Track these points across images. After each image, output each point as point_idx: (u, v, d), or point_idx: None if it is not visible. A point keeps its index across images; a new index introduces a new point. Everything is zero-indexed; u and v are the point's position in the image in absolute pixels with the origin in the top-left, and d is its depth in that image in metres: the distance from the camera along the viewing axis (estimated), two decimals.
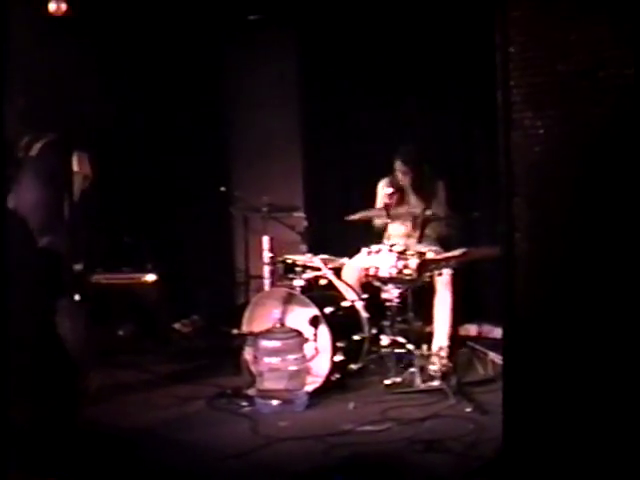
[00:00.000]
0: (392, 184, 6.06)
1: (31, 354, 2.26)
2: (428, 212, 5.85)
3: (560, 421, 2.33)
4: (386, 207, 5.80)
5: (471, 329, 6.48)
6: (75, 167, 5.23)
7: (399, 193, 5.98)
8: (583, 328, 2.30)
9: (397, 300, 5.62)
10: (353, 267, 5.96)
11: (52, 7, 6.23)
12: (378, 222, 6.14)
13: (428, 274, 5.58)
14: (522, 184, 2.33)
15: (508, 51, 2.30)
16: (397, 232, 6.11)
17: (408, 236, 6.03)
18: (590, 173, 2.26)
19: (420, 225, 5.86)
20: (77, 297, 5.77)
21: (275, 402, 5.16)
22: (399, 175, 6.15)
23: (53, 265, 2.58)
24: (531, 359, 2.38)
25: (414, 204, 6.01)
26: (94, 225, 6.33)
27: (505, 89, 2.30)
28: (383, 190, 6.10)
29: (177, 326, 7.47)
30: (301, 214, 6.57)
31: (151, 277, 7.08)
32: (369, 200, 6.30)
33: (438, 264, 5.58)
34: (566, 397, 2.33)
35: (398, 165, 6.16)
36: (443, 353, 5.56)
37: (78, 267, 5.73)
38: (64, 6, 6.25)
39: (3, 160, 2.07)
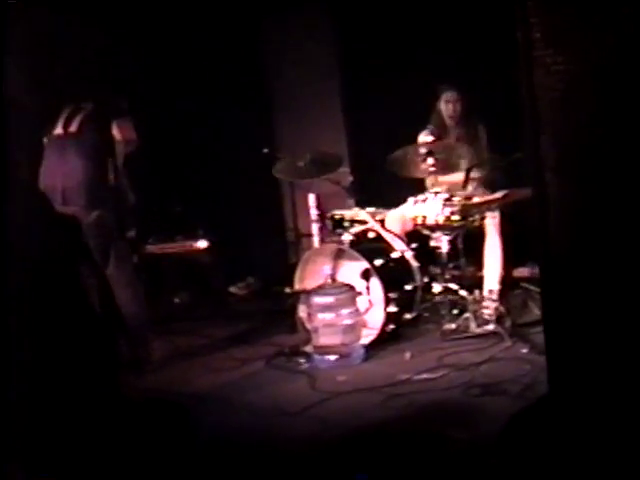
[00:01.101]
0: (432, 133, 6.03)
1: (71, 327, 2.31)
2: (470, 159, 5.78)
3: (601, 358, 2.33)
4: (432, 174, 5.77)
5: (524, 271, 6.43)
6: (117, 135, 5.27)
7: (439, 139, 5.94)
8: (619, 263, 2.28)
9: (447, 247, 5.61)
10: (399, 216, 5.95)
11: None
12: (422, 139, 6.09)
13: (472, 218, 5.55)
14: (548, 122, 2.31)
15: None
16: (442, 179, 6.06)
17: (454, 184, 5.98)
18: (615, 106, 2.22)
19: (465, 171, 5.82)
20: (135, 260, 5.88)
21: (332, 357, 5.21)
22: (445, 107, 6.14)
23: (76, 235, 2.61)
24: (569, 297, 2.36)
25: (457, 147, 5.93)
26: (144, 194, 6.43)
27: (524, 27, 2.27)
28: (427, 159, 6.02)
29: (232, 289, 7.57)
30: (346, 169, 6.56)
31: (203, 243, 7.16)
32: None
33: (481, 207, 5.55)
34: (605, 334, 2.32)
35: (447, 94, 6.15)
36: (495, 296, 5.53)
37: (131, 234, 5.85)
38: None
39: (3, 152, 2.10)
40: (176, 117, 7.39)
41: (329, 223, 6.29)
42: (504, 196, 5.50)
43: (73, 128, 5.28)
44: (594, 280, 2.31)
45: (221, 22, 7.45)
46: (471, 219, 5.54)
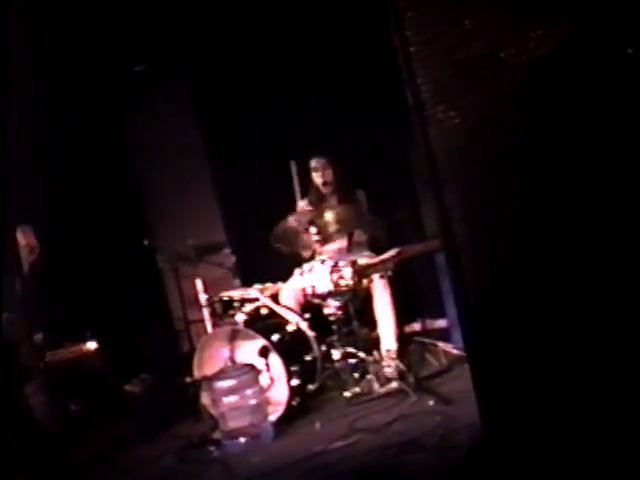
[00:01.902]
0: (312, 203, 6.10)
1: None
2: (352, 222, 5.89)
3: (530, 400, 2.39)
4: (317, 243, 5.83)
5: (416, 326, 6.56)
6: (22, 241, 5.22)
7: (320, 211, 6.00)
8: (537, 308, 2.36)
9: (339, 312, 5.66)
10: (289, 290, 5.99)
11: None
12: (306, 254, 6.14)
13: (367, 280, 5.64)
14: (448, 176, 2.40)
15: (409, 51, 2.36)
16: (328, 248, 6.12)
17: (338, 250, 6.06)
18: (510, 151, 2.33)
19: (347, 236, 5.92)
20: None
21: (243, 440, 5.14)
22: (316, 175, 6.15)
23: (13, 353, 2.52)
24: (492, 344, 2.43)
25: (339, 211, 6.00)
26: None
27: (413, 88, 2.35)
28: (310, 228, 6.03)
29: (128, 387, 7.39)
30: (227, 250, 6.58)
31: (92, 344, 6.98)
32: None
33: (375, 267, 5.65)
34: (531, 376, 2.39)
35: (314, 162, 6.16)
36: (393, 355, 5.60)
37: (38, 337, 5.71)
38: None
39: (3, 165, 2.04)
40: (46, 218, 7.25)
41: (219, 306, 6.25)
42: (398, 253, 5.60)
43: None
44: (513, 320, 2.39)
45: (83, 116, 7.39)
46: (363, 281, 5.62)
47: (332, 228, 5.77)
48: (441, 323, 6.35)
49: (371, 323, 5.89)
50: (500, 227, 2.35)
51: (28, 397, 4.96)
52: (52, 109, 6.92)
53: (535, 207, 2.30)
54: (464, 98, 2.35)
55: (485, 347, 2.44)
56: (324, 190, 6.20)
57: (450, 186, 2.39)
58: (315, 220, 5.71)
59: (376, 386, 5.44)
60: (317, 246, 5.97)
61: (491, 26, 2.27)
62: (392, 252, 5.66)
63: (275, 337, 5.56)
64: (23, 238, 5.25)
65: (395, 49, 2.40)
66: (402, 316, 5.86)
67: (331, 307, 5.66)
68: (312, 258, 6.04)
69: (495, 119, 2.33)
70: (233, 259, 6.44)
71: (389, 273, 5.72)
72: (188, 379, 5.84)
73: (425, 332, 6.41)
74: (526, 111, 2.29)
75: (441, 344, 5.90)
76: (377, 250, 6.00)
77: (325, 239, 5.82)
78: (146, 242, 6.59)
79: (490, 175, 2.35)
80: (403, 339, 5.84)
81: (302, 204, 6.14)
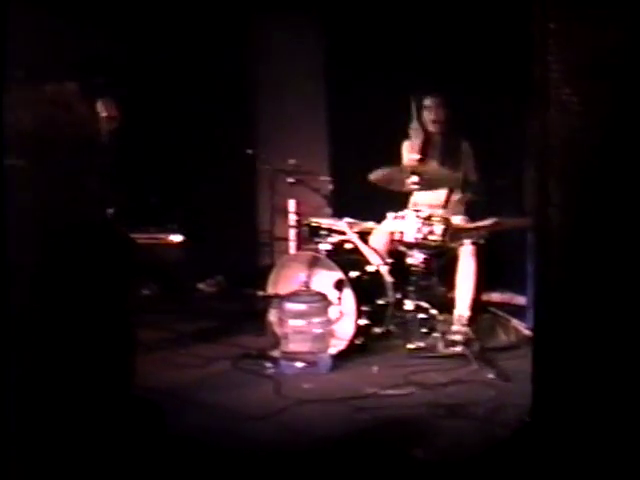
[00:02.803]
0: (417, 147, 6.03)
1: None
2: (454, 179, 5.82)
3: (589, 392, 2.35)
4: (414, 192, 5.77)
5: (494, 296, 6.49)
6: (102, 112, 5.31)
7: (424, 157, 5.95)
8: (614, 301, 2.31)
9: (422, 265, 5.64)
10: (379, 232, 5.97)
11: None
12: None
13: (456, 241, 5.59)
14: (557, 159, 2.34)
15: (548, 26, 2.29)
16: (421, 198, 6.07)
17: (435, 204, 6.00)
18: (628, 151, 2.25)
19: (446, 191, 5.86)
20: None
21: (299, 364, 5.21)
22: (427, 113, 6.08)
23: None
24: (560, 331, 2.39)
25: (440, 167, 5.94)
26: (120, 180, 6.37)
27: (543, 64, 2.29)
28: (408, 154, 6.07)
29: (202, 286, 7.53)
30: (326, 177, 6.57)
31: (176, 237, 7.11)
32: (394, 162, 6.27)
33: (468, 232, 5.59)
34: (596, 369, 2.35)
35: (428, 100, 6.09)
36: (464, 320, 5.56)
37: (109, 212, 5.87)
38: None
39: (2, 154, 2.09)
40: (159, 109, 7.36)
41: (306, 230, 6.29)
42: (494, 224, 5.53)
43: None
44: (588, 315, 2.34)
45: (208, 19, 7.41)
46: (451, 242, 5.56)
47: (433, 181, 5.71)
48: (520, 300, 6.26)
49: (450, 283, 5.84)
50: (598, 220, 2.29)
51: None
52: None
53: (630, 214, 2.23)
54: (593, 86, 2.27)
55: (552, 332, 2.41)
56: (432, 128, 6.12)
57: (556, 170, 2.33)
58: (417, 168, 5.65)
59: (440, 346, 5.43)
60: (414, 195, 5.92)
61: (630, 18, 2.18)
62: (488, 221, 5.59)
63: (353, 274, 5.57)
64: (104, 109, 5.33)
65: (533, 21, 2.32)
66: (482, 284, 5.80)
67: (415, 258, 5.63)
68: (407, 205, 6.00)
69: (619, 114, 2.25)
70: (330, 187, 6.44)
71: (481, 241, 5.65)
72: (261, 293, 5.91)
73: (502, 305, 6.32)
74: None
75: (514, 320, 5.84)
76: (472, 213, 5.93)
77: (424, 188, 5.74)
78: (249, 151, 6.63)
79: (598, 168, 2.28)
80: (478, 306, 5.79)
81: (407, 147, 6.07)
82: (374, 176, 5.73)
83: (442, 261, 5.72)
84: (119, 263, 2.42)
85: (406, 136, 6.27)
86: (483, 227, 5.59)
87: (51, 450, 2.30)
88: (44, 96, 2.35)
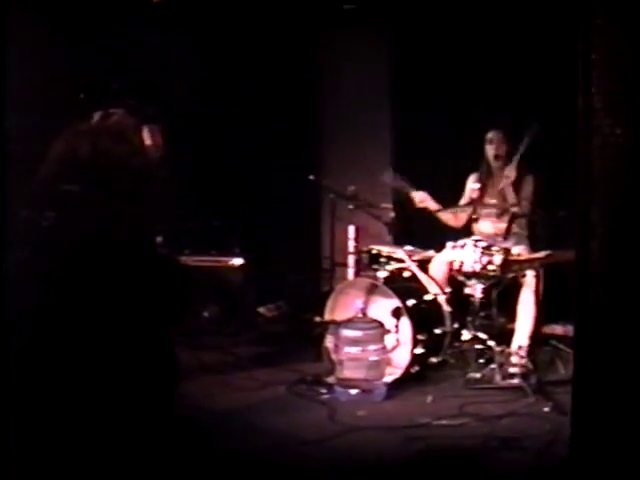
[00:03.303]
0: (480, 179, 6.02)
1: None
2: (514, 208, 5.79)
3: (630, 427, 2.31)
4: (472, 202, 5.74)
5: (556, 328, 6.40)
6: (147, 140, 5.38)
7: (486, 189, 5.93)
8: None
9: (480, 295, 5.60)
10: (438, 261, 5.96)
11: None
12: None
13: (515, 271, 5.54)
14: (600, 192, 2.32)
15: (590, 58, 2.28)
16: (484, 228, 6.04)
17: (495, 234, 5.96)
18: None
19: (507, 221, 5.82)
20: None
21: (354, 391, 5.21)
22: (489, 147, 6.06)
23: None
24: (602, 366, 2.36)
25: (502, 197, 5.91)
26: (181, 205, 6.47)
27: (586, 95, 2.28)
28: (470, 185, 6.08)
29: (262, 310, 7.58)
30: (388, 205, 6.58)
31: (238, 261, 7.19)
32: (458, 194, 6.27)
33: (522, 265, 5.54)
34: (636, 403, 2.31)
35: (490, 134, 6.08)
36: (523, 352, 5.50)
37: (158, 240, 5.95)
38: None
39: (3, 157, 2.14)
40: (224, 133, 7.47)
41: (365, 257, 6.30)
42: (546, 256, 5.48)
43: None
44: (628, 352, 2.31)
45: (274, 36, 7.51)
46: (510, 272, 5.52)
47: (493, 209, 5.69)
48: None
49: (509, 314, 5.79)
50: (637, 257, 2.26)
51: None
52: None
53: None
54: (635, 118, 2.25)
55: (593, 369, 2.37)
56: (494, 164, 6.09)
57: (600, 202, 2.30)
58: (478, 198, 5.64)
59: (498, 377, 5.37)
60: (474, 224, 5.90)
61: None
62: (542, 254, 5.54)
63: (411, 302, 5.56)
64: (149, 137, 5.40)
65: (577, 52, 2.32)
66: (542, 315, 5.74)
67: (473, 288, 5.60)
68: (469, 235, 5.96)
69: None
70: (392, 215, 6.44)
71: (534, 272, 5.60)
72: (318, 319, 5.93)
73: (564, 337, 6.22)
74: None
75: None
76: (532, 244, 5.88)
77: (483, 218, 5.73)
78: (312, 177, 6.68)
79: None
80: (538, 338, 5.73)
81: (472, 179, 6.07)
82: (439, 214, 5.76)
83: (500, 291, 5.66)
84: (164, 289, 2.46)
85: (471, 168, 6.24)
86: (536, 259, 5.54)
87: (91, 470, 2.34)
88: (102, 127, 2.42)
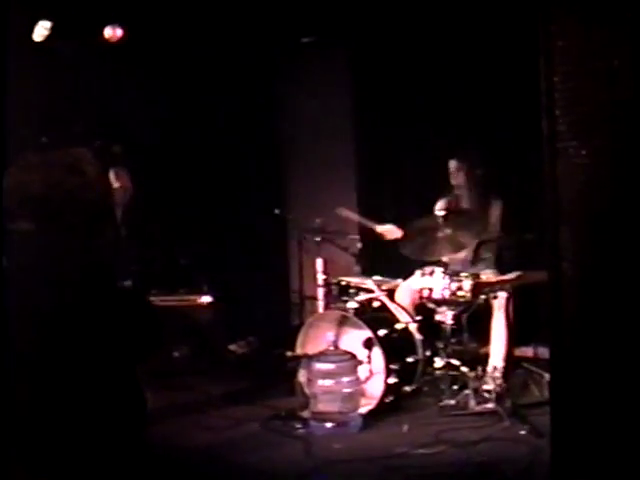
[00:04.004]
0: (448, 205, 6.03)
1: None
2: (482, 236, 5.81)
3: (608, 446, 2.32)
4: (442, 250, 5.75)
5: (527, 351, 6.41)
6: (114, 182, 5.35)
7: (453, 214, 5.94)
8: (630, 356, 2.28)
9: (451, 322, 5.60)
10: (407, 289, 5.96)
11: (108, 33, 6.43)
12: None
13: (482, 297, 5.56)
14: (568, 213, 2.33)
15: (552, 80, 2.30)
16: (452, 257, 6.04)
17: (463, 260, 5.98)
18: (635, 201, 2.25)
19: (475, 246, 5.84)
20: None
21: (329, 424, 5.18)
22: (451, 177, 6.07)
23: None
24: (577, 385, 2.37)
25: (468, 223, 5.93)
26: (146, 244, 6.43)
27: (550, 118, 2.30)
28: (437, 212, 6.08)
29: (232, 347, 7.52)
30: (355, 236, 6.59)
31: (206, 299, 7.15)
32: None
33: (492, 287, 5.57)
34: (613, 421, 2.32)
35: (450, 164, 6.07)
36: (497, 374, 5.50)
37: (128, 283, 5.89)
38: (119, 32, 6.45)
39: (3, 158, 2.11)
40: (188, 170, 7.45)
41: (334, 289, 6.29)
42: (517, 277, 5.51)
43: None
44: (603, 370, 2.32)
45: (234, 69, 7.52)
46: (481, 297, 5.54)
47: (458, 236, 5.71)
48: None
49: (481, 339, 5.80)
50: (610, 276, 2.27)
51: None
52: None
53: None
54: (600, 139, 2.28)
55: (568, 390, 2.38)
56: (458, 193, 6.11)
57: (568, 224, 2.32)
58: (442, 226, 5.66)
59: (472, 403, 5.37)
60: (442, 253, 5.90)
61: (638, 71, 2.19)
62: (512, 275, 5.57)
63: (382, 332, 5.55)
64: (116, 180, 5.38)
65: (539, 75, 2.34)
66: (514, 338, 5.75)
67: (444, 315, 5.60)
68: (437, 262, 5.97)
69: (627, 167, 2.25)
70: (359, 246, 6.44)
71: (506, 295, 5.62)
72: (289, 353, 5.90)
73: (535, 359, 6.24)
74: None
75: (548, 376, 5.75)
76: (501, 268, 5.89)
77: (451, 246, 5.74)
78: (277, 211, 6.68)
79: (611, 222, 2.28)
80: (511, 361, 5.73)
81: (439, 205, 6.08)
82: (405, 250, 5.77)
83: (471, 316, 5.67)
84: (129, 324, 2.42)
85: (438, 195, 6.25)
86: (507, 281, 5.57)
87: None
88: (53, 159, 2.36)
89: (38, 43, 6.01)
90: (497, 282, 5.62)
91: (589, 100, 2.28)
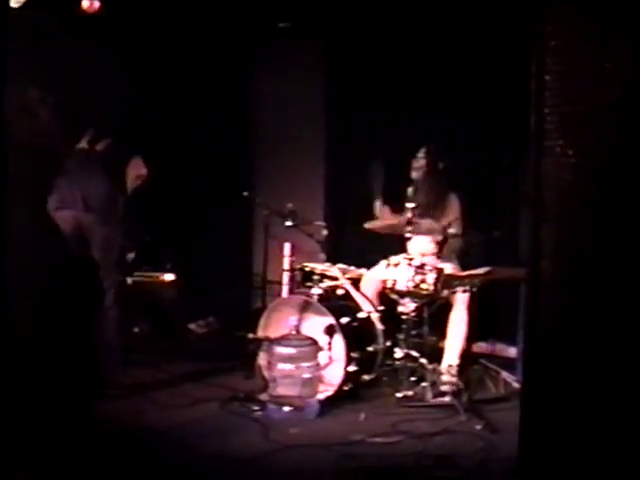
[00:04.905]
0: (414, 198, 6.05)
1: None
2: (450, 230, 5.84)
3: (577, 444, 2.35)
4: (408, 222, 5.76)
5: (484, 347, 6.49)
6: (131, 170, 5.51)
7: (420, 208, 5.96)
8: (605, 355, 2.32)
9: (413, 314, 5.64)
10: (371, 278, 5.99)
11: (85, 4, 6.37)
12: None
13: (449, 290, 5.60)
14: (551, 211, 2.36)
15: (544, 79, 2.32)
16: (417, 247, 6.08)
17: (429, 252, 6.01)
18: (619, 204, 2.28)
19: (441, 240, 5.88)
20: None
21: (287, 408, 5.18)
22: (413, 171, 6.12)
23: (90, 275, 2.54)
24: (552, 384, 2.40)
25: (433, 219, 5.97)
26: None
27: (538, 116, 2.32)
28: (406, 204, 6.09)
29: (193, 327, 7.52)
30: (321, 223, 6.59)
31: (169, 277, 7.14)
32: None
33: (462, 281, 5.60)
34: (584, 420, 2.35)
35: (414, 161, 6.13)
36: (453, 371, 5.55)
37: (131, 256, 6.43)
38: (97, 4, 6.38)
39: (3, 160, 2.09)
40: (157, 148, 7.39)
41: (299, 275, 6.30)
42: (487, 272, 5.55)
43: (100, 147, 5.49)
44: (577, 368, 2.35)
45: (208, 53, 7.50)
46: (447, 291, 5.57)
47: (424, 227, 5.75)
48: (510, 351, 6.26)
49: (441, 332, 5.85)
50: (589, 274, 2.30)
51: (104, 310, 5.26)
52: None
53: (633, 267, 2.24)
54: (587, 140, 2.31)
55: (541, 385, 2.41)
56: (415, 176, 6.14)
57: (549, 222, 2.35)
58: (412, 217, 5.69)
59: (429, 395, 5.42)
60: (407, 242, 5.93)
61: (630, 75, 2.22)
62: (481, 270, 5.61)
63: (344, 320, 5.57)
64: (133, 169, 5.52)
65: (530, 73, 2.36)
66: (473, 334, 5.81)
67: (406, 306, 5.63)
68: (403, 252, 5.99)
69: (612, 168, 2.28)
70: (325, 233, 6.45)
71: (474, 289, 5.66)
72: (251, 335, 5.90)
73: (492, 356, 6.31)
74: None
75: (504, 373, 5.82)
76: (465, 262, 5.94)
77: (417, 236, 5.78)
78: (246, 193, 6.66)
79: (591, 220, 2.31)
80: (468, 357, 5.79)
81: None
82: (370, 226, 5.78)
83: (433, 309, 5.72)
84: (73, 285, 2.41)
85: (405, 182, 6.26)
86: (476, 275, 5.61)
87: None
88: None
89: (14, 10, 5.93)
90: (466, 276, 5.66)
91: (578, 101, 2.31)
